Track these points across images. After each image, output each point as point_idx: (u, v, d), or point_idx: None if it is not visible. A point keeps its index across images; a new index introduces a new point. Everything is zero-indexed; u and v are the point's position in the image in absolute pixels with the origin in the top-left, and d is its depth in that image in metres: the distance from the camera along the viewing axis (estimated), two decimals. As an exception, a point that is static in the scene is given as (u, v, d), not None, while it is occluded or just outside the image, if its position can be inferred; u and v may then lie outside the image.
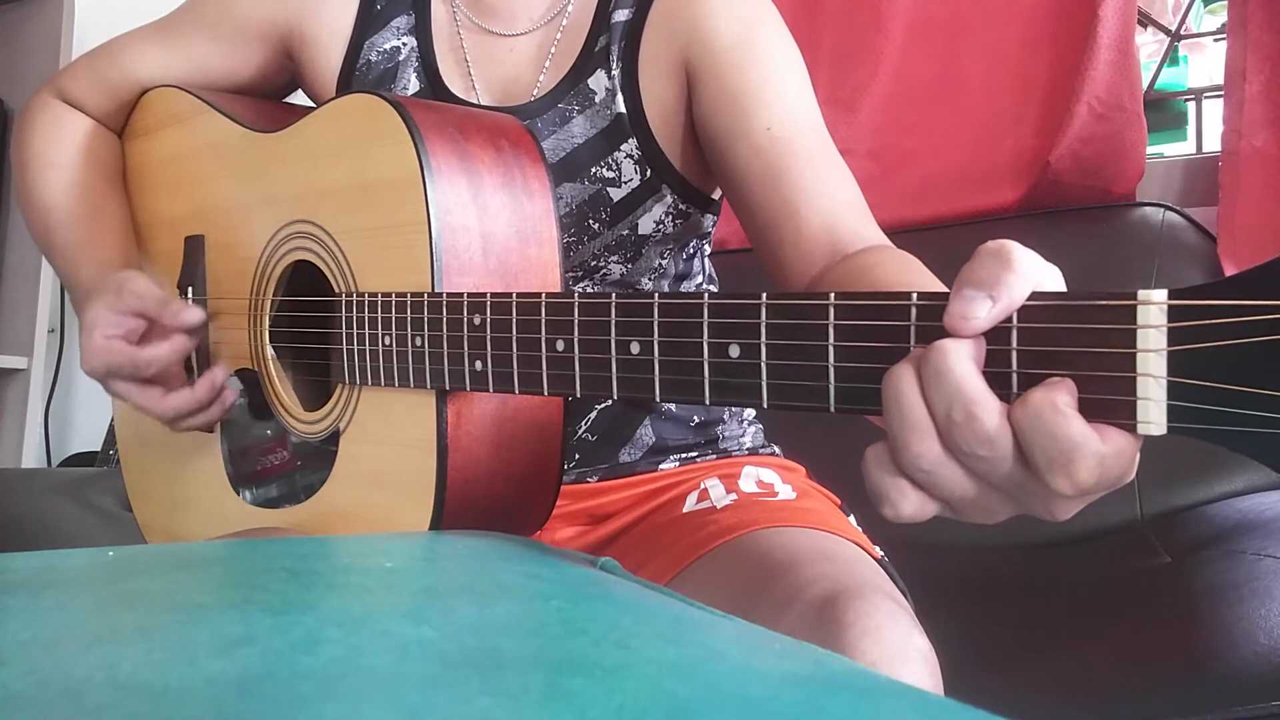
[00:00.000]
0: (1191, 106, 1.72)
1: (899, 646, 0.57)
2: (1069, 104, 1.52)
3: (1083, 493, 0.40)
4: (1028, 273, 0.41)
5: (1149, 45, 1.76)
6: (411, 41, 0.89)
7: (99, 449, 1.90)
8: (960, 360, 0.41)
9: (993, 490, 0.43)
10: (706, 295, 0.49)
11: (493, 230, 0.67)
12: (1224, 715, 0.87)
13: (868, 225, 0.77)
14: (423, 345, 0.64)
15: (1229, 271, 1.40)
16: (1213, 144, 1.56)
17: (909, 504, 0.44)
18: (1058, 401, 0.39)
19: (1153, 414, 0.38)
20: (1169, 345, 0.38)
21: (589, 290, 0.88)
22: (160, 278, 0.92)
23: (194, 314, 0.78)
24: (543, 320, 0.57)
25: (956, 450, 0.41)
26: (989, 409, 0.41)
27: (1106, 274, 1.44)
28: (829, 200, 0.77)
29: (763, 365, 0.47)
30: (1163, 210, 1.48)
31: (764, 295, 0.47)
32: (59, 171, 0.93)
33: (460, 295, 0.62)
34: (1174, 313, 0.38)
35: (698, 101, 0.83)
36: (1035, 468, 0.40)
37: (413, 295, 0.65)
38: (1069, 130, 1.51)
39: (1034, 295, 0.41)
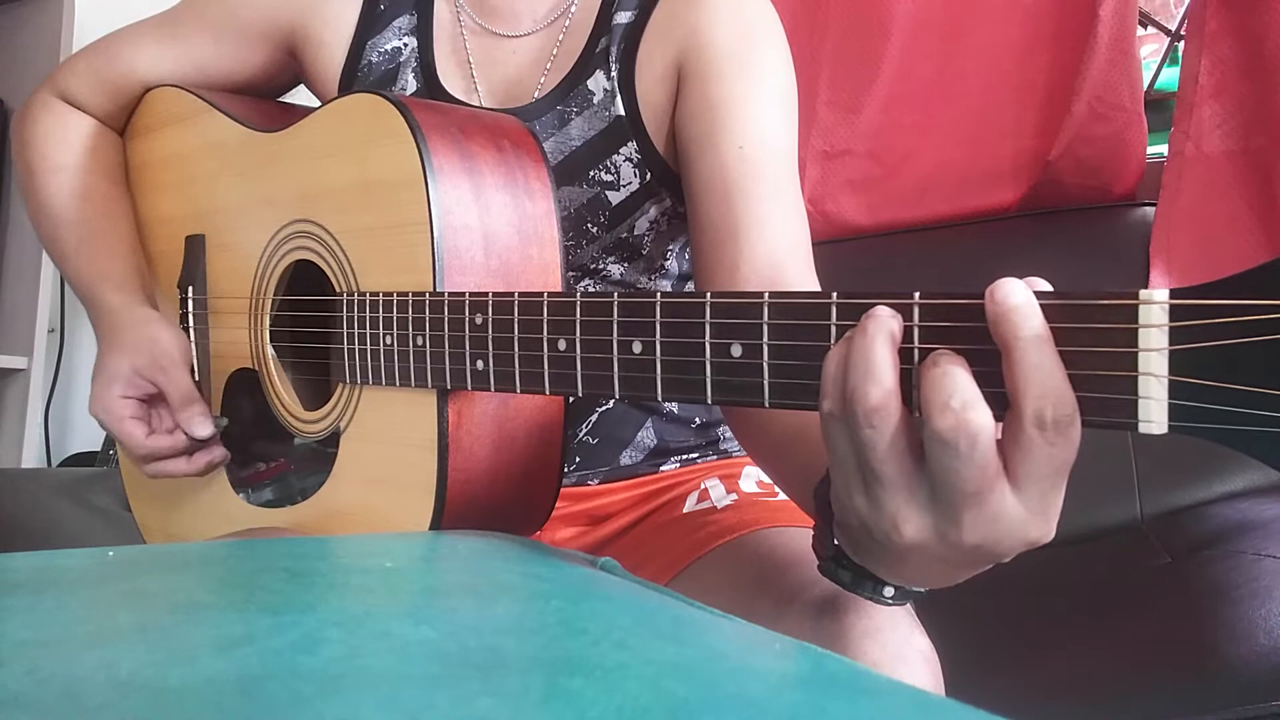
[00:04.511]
0: (1192, 106, 1.72)
1: (900, 646, 0.57)
2: (1069, 104, 1.52)
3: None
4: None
5: (1149, 45, 1.76)
6: (412, 42, 0.89)
7: (99, 449, 1.90)
8: (965, 371, 0.41)
9: (930, 502, 0.43)
10: (709, 294, 0.49)
11: (494, 230, 0.67)
12: (1224, 715, 0.87)
13: (808, 273, 0.76)
14: (424, 345, 0.64)
15: (1156, 270, 1.42)
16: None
17: (889, 380, 0.44)
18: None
19: (1154, 413, 0.38)
20: (1170, 344, 0.38)
21: (590, 290, 0.88)
22: (161, 278, 0.92)
23: (206, 429, 0.80)
24: (545, 320, 0.57)
25: (936, 435, 0.41)
26: (986, 412, 0.41)
27: (1106, 274, 1.44)
28: (780, 235, 0.76)
29: (764, 365, 0.47)
30: (1163, 210, 1.48)
31: (766, 294, 0.47)
32: (66, 175, 0.93)
33: (462, 295, 0.62)
34: (1175, 312, 0.38)
35: (680, 106, 0.82)
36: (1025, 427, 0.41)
37: (414, 294, 0.65)
38: (1069, 130, 1.51)
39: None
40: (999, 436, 0.42)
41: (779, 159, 0.80)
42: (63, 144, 0.94)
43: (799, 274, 0.75)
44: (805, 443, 0.61)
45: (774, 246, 0.75)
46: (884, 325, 0.43)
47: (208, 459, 0.81)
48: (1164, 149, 1.54)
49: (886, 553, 0.47)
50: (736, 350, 0.48)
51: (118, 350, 0.82)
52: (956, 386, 0.41)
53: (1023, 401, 0.40)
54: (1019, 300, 0.40)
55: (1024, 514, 0.42)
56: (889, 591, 0.51)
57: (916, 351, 0.43)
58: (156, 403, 0.82)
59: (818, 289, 0.74)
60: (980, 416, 0.40)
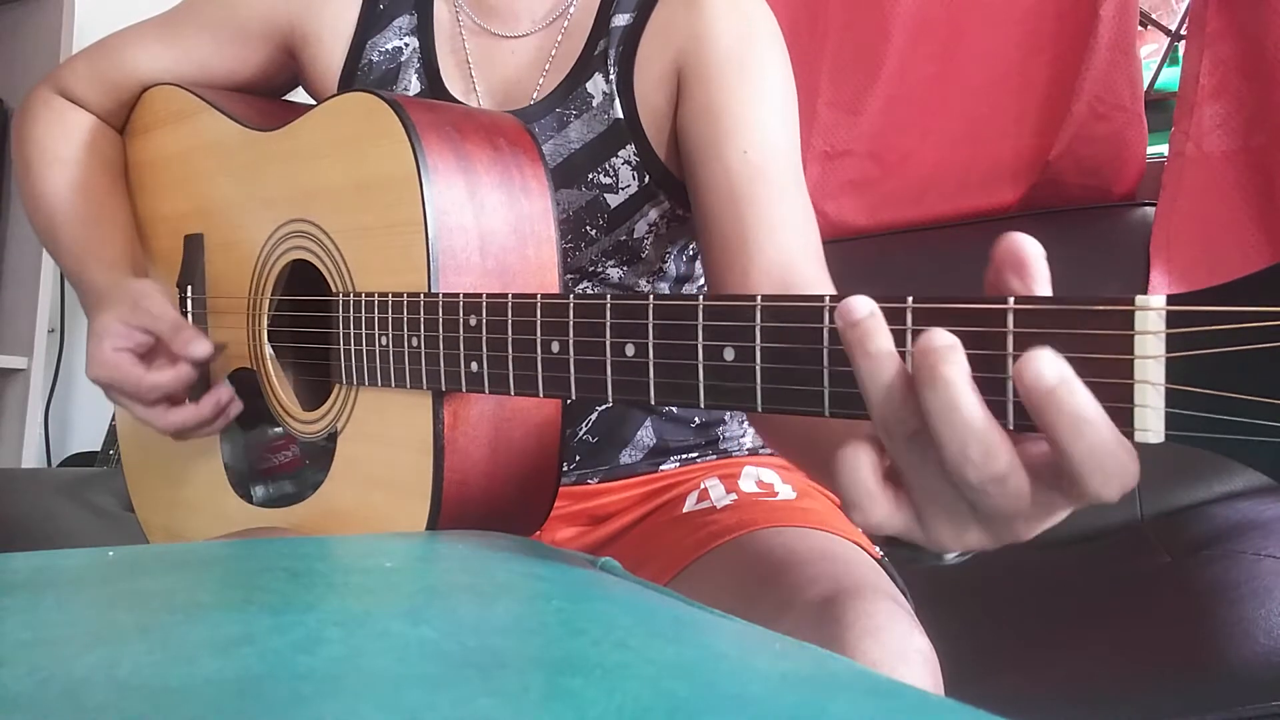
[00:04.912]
0: (1191, 106, 1.72)
1: (900, 647, 0.57)
2: (1069, 104, 1.52)
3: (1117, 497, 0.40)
4: None
5: (1149, 45, 1.76)
6: (414, 42, 0.89)
7: (99, 449, 1.90)
8: (969, 397, 0.39)
9: (972, 510, 0.42)
10: (701, 297, 0.49)
11: (490, 230, 0.67)
12: (1224, 715, 0.87)
13: (821, 274, 0.76)
14: (419, 346, 0.64)
15: (1156, 270, 1.42)
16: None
17: (880, 509, 0.43)
18: (1110, 424, 0.38)
19: (1150, 422, 0.37)
20: (1167, 351, 0.37)
21: (588, 292, 0.88)
22: (161, 276, 0.92)
23: (203, 347, 0.78)
24: (538, 321, 0.57)
25: (964, 483, 0.40)
26: (1005, 447, 0.39)
27: (1106, 274, 1.45)
28: (789, 238, 0.76)
29: (757, 368, 0.47)
30: (1163, 210, 1.49)
31: (759, 297, 0.47)
32: (64, 167, 0.93)
33: (456, 296, 0.62)
34: (1172, 318, 0.37)
35: (682, 111, 0.82)
36: (1084, 491, 0.39)
37: (409, 295, 0.64)
38: (1069, 130, 1.52)
39: (1029, 300, 0.40)
40: (1034, 451, 0.41)
41: (783, 161, 0.80)
42: (61, 138, 0.94)
43: (811, 274, 0.75)
44: (821, 441, 0.60)
45: (784, 249, 0.75)
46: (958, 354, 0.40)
47: (214, 399, 0.79)
48: (1164, 149, 1.55)
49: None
50: (729, 353, 0.48)
51: (102, 312, 0.81)
52: (970, 431, 0.39)
53: (1084, 486, 0.38)
54: (1053, 379, 0.37)
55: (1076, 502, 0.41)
56: (951, 555, 0.50)
57: (910, 356, 0.43)
58: (152, 355, 0.81)
59: (830, 288, 0.74)
60: (1001, 460, 0.39)
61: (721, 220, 0.78)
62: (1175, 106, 1.49)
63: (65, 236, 0.91)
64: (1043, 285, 0.42)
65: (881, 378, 0.41)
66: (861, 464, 0.42)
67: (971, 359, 0.40)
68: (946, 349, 0.39)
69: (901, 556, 0.50)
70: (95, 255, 0.88)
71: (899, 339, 0.42)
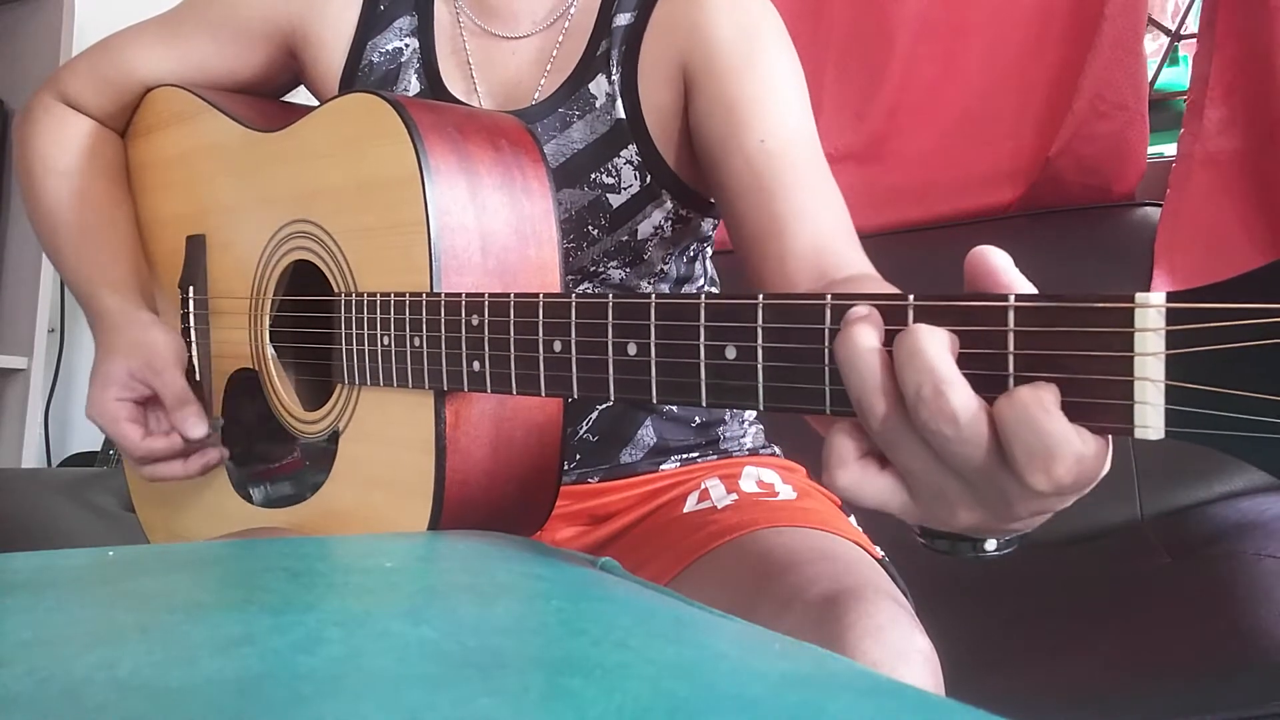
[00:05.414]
0: (1192, 107, 1.72)
1: (900, 647, 0.57)
2: (1070, 102, 1.52)
3: (1059, 491, 0.40)
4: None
5: (1149, 45, 1.76)
6: (414, 43, 0.89)
7: (99, 449, 1.90)
8: (933, 342, 0.41)
9: (954, 478, 0.42)
10: (703, 296, 0.49)
11: (492, 230, 0.67)
12: (1225, 716, 0.87)
13: (855, 251, 0.76)
14: (421, 345, 0.64)
15: (1160, 271, 1.42)
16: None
17: (848, 474, 0.44)
18: (1044, 399, 0.39)
19: (1150, 418, 0.38)
20: (1167, 349, 0.37)
21: (589, 292, 0.88)
22: (163, 278, 0.92)
23: (201, 429, 0.80)
24: (540, 321, 0.57)
25: (923, 427, 0.41)
26: (959, 387, 0.40)
27: (1106, 274, 1.45)
28: (819, 221, 0.76)
29: (759, 367, 0.47)
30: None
31: (760, 296, 0.47)
32: (65, 178, 0.93)
33: (458, 295, 0.62)
34: (1172, 315, 0.37)
35: (693, 108, 0.82)
36: (1014, 463, 0.40)
37: (411, 295, 0.65)
38: (1069, 127, 1.52)
39: (1029, 298, 0.40)
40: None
41: (802, 145, 0.80)
42: (62, 146, 0.94)
43: (846, 255, 0.75)
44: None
45: (817, 233, 0.76)
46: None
47: (203, 461, 0.82)
48: (1164, 149, 1.54)
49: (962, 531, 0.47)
50: (731, 352, 0.48)
51: (113, 353, 0.82)
52: (926, 370, 0.40)
53: (1014, 462, 0.40)
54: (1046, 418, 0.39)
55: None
56: (990, 545, 0.50)
57: None
58: (153, 405, 0.83)
59: (867, 265, 0.75)
60: (954, 398, 0.40)
61: (750, 211, 0.78)
62: (1185, 108, 1.49)
63: (68, 249, 0.91)
64: (1018, 289, 0.43)
65: (861, 347, 0.42)
66: (842, 432, 0.44)
67: (972, 357, 0.41)
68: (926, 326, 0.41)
69: (940, 548, 0.50)
70: (100, 274, 0.88)
71: (890, 341, 0.43)
